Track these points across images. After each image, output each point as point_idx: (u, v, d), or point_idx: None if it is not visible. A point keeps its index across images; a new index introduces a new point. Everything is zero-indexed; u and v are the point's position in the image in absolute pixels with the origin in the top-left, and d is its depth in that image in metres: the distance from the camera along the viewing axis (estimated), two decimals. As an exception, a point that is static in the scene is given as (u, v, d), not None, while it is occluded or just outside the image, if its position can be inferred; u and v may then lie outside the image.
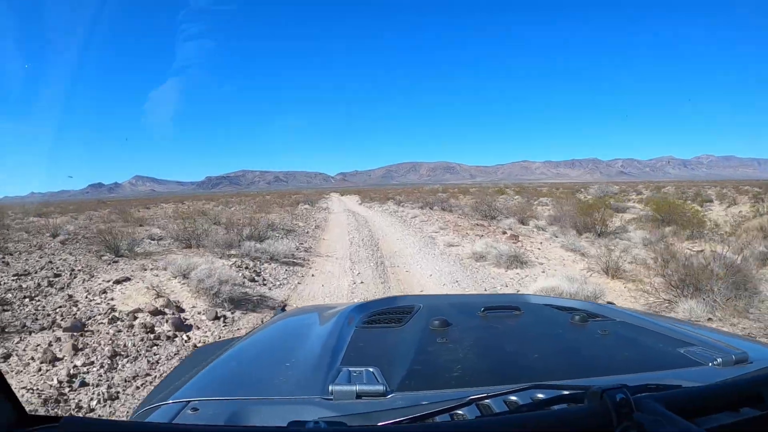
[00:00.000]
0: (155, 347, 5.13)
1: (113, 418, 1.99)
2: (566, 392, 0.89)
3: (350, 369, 1.20)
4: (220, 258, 9.99)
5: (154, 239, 12.83)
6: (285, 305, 4.48)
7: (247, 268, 9.44)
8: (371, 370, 1.18)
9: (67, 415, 2.48)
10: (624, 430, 0.71)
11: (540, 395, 0.98)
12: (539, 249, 12.29)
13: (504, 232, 14.28)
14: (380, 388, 1.08)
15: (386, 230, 17.41)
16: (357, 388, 1.08)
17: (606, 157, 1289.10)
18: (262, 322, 5.47)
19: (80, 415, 3.61)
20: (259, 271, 9.47)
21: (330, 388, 1.09)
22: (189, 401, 1.07)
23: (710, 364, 1.26)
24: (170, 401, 1.10)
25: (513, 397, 0.99)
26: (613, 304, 2.24)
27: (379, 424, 0.87)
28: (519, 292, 7.08)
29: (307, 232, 16.83)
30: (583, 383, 0.97)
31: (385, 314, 1.88)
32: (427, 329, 1.62)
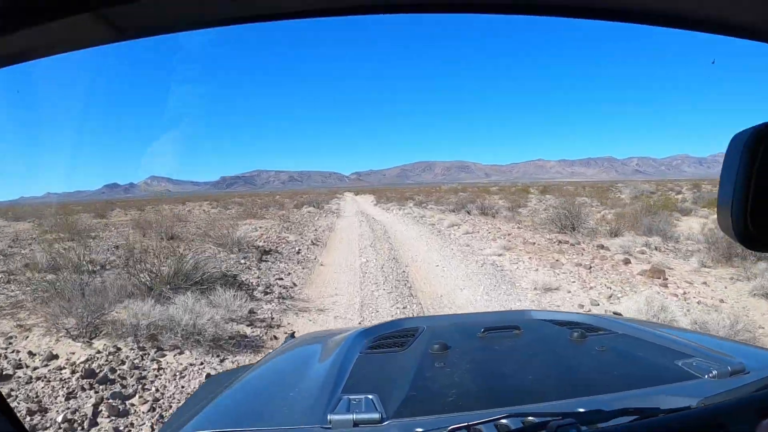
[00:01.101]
0: None
1: None
2: (540, 420, 0.93)
3: (350, 397, 1.21)
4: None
5: None
6: (294, 332, 3.05)
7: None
8: (370, 397, 1.19)
9: None
10: None
11: (508, 423, 0.98)
12: (725, 302, 6.48)
13: (626, 261, 8.43)
14: (376, 416, 1.09)
15: (417, 249, 11.59)
16: (354, 416, 1.09)
17: (621, 156, 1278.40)
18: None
19: None
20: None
21: (329, 417, 1.10)
22: None
23: (706, 376, 1.26)
24: None
25: (486, 429, 0.99)
26: (620, 314, 2.44)
27: None
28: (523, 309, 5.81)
29: (298, 252, 11.19)
30: (562, 407, 0.98)
31: (389, 338, 1.86)
32: (426, 353, 1.61)
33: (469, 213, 19.72)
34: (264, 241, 12.07)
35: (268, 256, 10.11)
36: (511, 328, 1.85)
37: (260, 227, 15.74)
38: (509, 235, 12.39)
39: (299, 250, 11.50)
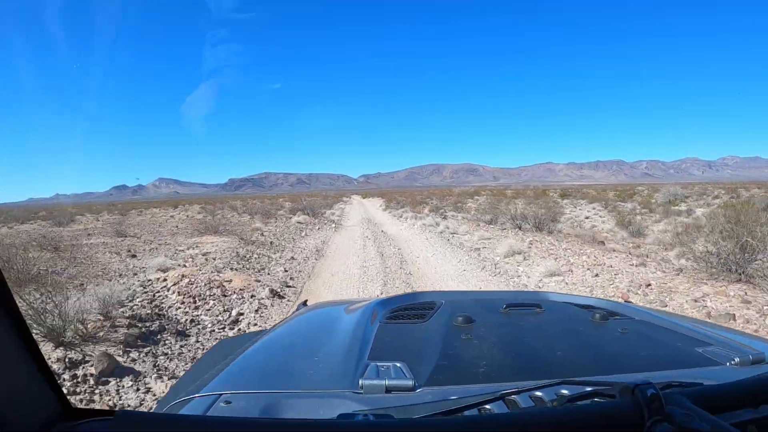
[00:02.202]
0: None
1: (167, 413, 1.15)
2: (594, 388, 0.90)
3: (378, 364, 1.19)
4: None
5: None
6: (306, 300, 2.98)
7: None
8: (398, 365, 1.18)
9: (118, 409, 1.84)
10: (654, 425, 0.71)
11: (566, 391, 0.97)
12: None
13: None
14: (409, 382, 1.08)
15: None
16: (386, 382, 1.07)
17: (630, 159, 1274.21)
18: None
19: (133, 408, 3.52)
20: None
21: (360, 382, 1.08)
22: (221, 394, 1.08)
23: (728, 363, 1.24)
24: (203, 394, 1.10)
25: (539, 393, 0.99)
26: (631, 302, 2.40)
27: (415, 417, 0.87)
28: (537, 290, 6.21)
29: (226, 326, 5.44)
30: (608, 380, 0.94)
31: (407, 310, 1.86)
32: (450, 325, 1.60)
33: (520, 228, 13.87)
34: (179, 292, 6.35)
35: (141, 351, 4.39)
36: (532, 306, 1.85)
37: (204, 254, 10.00)
38: (650, 286, 6.57)
39: (235, 316, 5.76)
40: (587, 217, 21.29)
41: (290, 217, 19.41)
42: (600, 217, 21.86)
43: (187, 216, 29.36)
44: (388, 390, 1.06)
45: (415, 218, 19.63)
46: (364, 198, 73.89)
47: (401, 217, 22.25)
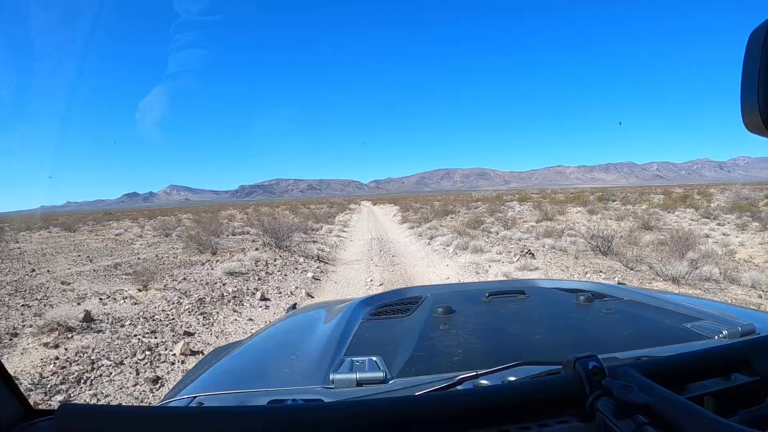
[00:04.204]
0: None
1: (111, 404, 1.84)
2: (549, 368, 0.90)
3: (353, 359, 1.20)
4: None
5: None
6: (295, 304, 3.26)
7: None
8: (374, 359, 1.18)
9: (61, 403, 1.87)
10: (596, 399, 0.70)
11: (525, 374, 0.96)
12: None
13: None
14: (380, 375, 1.07)
15: None
16: (357, 375, 1.07)
17: (641, 161, 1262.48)
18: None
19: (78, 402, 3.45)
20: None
21: (331, 376, 1.08)
22: (195, 396, 1.08)
23: (716, 337, 1.23)
24: (179, 397, 1.11)
25: (496, 377, 0.97)
26: (624, 284, 2.16)
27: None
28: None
29: None
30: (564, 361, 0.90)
31: (392, 305, 1.85)
32: (431, 317, 1.60)
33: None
34: None
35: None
36: (515, 293, 1.84)
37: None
38: None
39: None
40: (707, 235, 14.35)
41: (238, 251, 12.41)
42: (724, 233, 14.90)
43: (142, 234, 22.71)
44: (359, 383, 1.05)
45: (473, 250, 10.70)
46: (374, 204, 66.79)
47: (434, 240, 14.37)
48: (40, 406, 3.27)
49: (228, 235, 17.39)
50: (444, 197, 69.27)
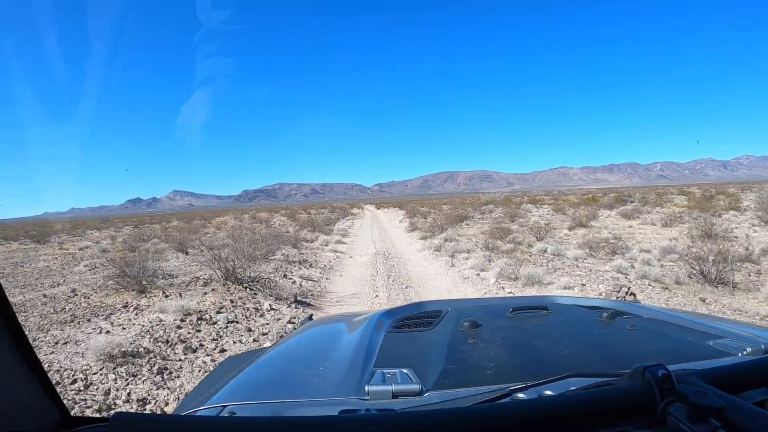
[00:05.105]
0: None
1: (164, 413, 1.69)
2: (604, 379, 0.90)
3: (384, 371, 1.18)
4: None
5: None
6: (312, 315, 3.33)
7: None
8: (405, 371, 1.16)
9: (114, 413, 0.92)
10: (668, 405, 0.71)
11: (575, 387, 0.95)
12: None
13: None
14: (416, 387, 1.06)
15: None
16: (393, 387, 1.06)
17: (644, 161, 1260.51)
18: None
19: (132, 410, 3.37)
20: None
21: (366, 388, 1.07)
22: (226, 405, 1.07)
23: (740, 354, 1.22)
24: (208, 406, 1.10)
25: (550, 389, 0.96)
26: (639, 302, 2.33)
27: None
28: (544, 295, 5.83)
29: None
30: (620, 372, 0.91)
31: (413, 319, 1.85)
32: (457, 331, 1.59)
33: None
34: None
35: None
36: (538, 308, 1.83)
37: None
38: None
39: None
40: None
41: (187, 283, 8.90)
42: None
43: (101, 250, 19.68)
44: (395, 395, 1.04)
45: (530, 281, 7.64)
46: (378, 209, 63.54)
47: (457, 258, 11.15)
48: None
49: (199, 249, 14.25)
50: (450, 200, 66.01)
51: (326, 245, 16.08)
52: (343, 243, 17.33)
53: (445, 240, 14.18)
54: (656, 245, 12.99)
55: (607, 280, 7.44)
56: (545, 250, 11.04)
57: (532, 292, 7.05)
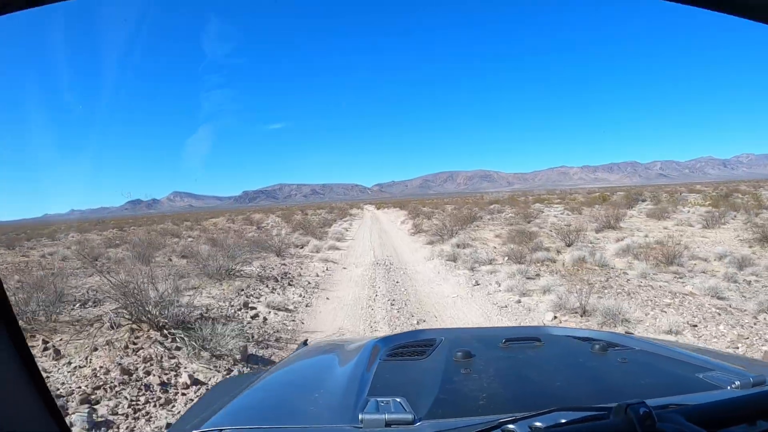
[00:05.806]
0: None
1: None
2: (590, 413, 0.91)
3: (378, 399, 1.18)
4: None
5: None
6: (307, 340, 2.74)
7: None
8: (398, 400, 1.17)
9: None
10: None
11: (563, 419, 0.96)
12: None
13: None
14: (409, 416, 1.07)
15: None
16: (386, 416, 1.06)
17: (644, 160, 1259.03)
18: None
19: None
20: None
21: (360, 416, 1.07)
22: (222, 430, 1.07)
23: (728, 387, 1.24)
24: (203, 429, 1.10)
25: (538, 422, 0.97)
26: (632, 334, 2.37)
27: None
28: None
29: None
30: (606, 407, 0.94)
31: (407, 347, 1.83)
32: (450, 360, 1.58)
33: None
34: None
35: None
36: (531, 340, 1.82)
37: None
38: None
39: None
40: None
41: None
42: None
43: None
44: (388, 424, 1.05)
45: (607, 314, 6.39)
46: (378, 209, 61.20)
47: (479, 273, 8.95)
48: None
49: (169, 259, 11.94)
50: (452, 200, 63.81)
51: (317, 252, 13.77)
52: (338, 248, 15.01)
53: (458, 246, 11.86)
54: (711, 251, 10.76)
55: (704, 306, 5.14)
56: (559, 252, 8.73)
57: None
